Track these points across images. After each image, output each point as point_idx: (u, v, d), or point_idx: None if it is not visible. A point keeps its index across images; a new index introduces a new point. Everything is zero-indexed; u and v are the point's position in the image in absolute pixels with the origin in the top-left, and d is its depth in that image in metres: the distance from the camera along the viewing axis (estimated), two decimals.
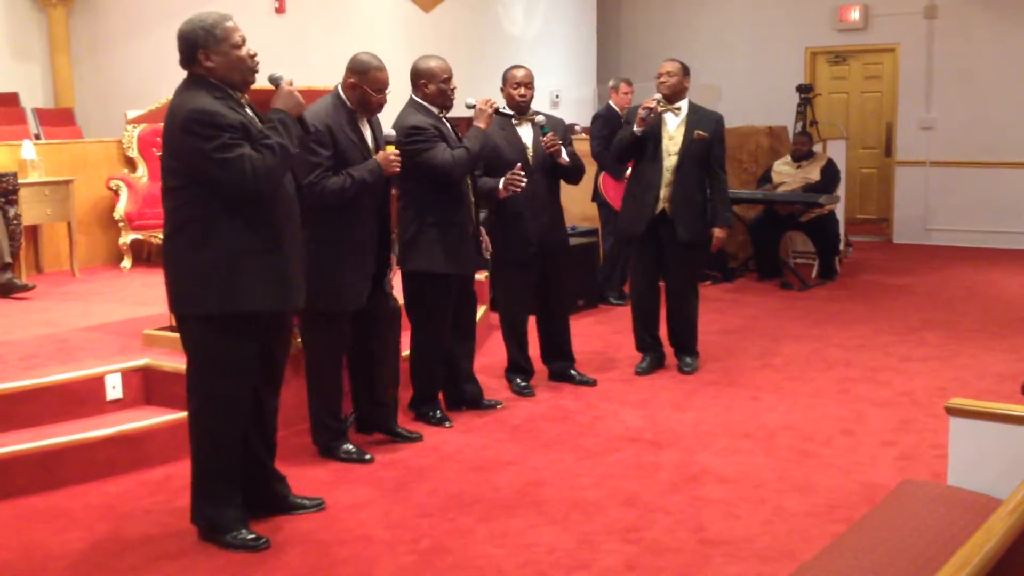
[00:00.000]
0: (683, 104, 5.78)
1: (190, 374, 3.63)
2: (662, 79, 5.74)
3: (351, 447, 4.52)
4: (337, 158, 4.26)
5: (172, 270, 3.54)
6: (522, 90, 5.33)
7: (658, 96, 5.69)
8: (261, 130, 3.48)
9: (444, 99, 4.82)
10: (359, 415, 4.75)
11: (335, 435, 4.52)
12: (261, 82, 3.64)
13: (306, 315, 4.19)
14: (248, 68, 3.50)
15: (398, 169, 4.42)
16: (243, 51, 3.48)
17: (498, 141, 5.25)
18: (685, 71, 5.77)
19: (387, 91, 4.42)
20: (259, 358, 3.64)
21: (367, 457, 4.49)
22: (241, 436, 3.68)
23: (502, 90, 5.41)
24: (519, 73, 5.35)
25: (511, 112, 5.18)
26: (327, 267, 4.25)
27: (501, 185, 5.17)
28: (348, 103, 4.37)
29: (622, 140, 5.77)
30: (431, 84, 4.79)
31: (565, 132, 5.51)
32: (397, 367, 4.81)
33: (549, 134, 5.28)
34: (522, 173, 5.15)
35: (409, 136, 4.69)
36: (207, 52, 3.43)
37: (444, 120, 4.88)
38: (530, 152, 5.35)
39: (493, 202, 5.33)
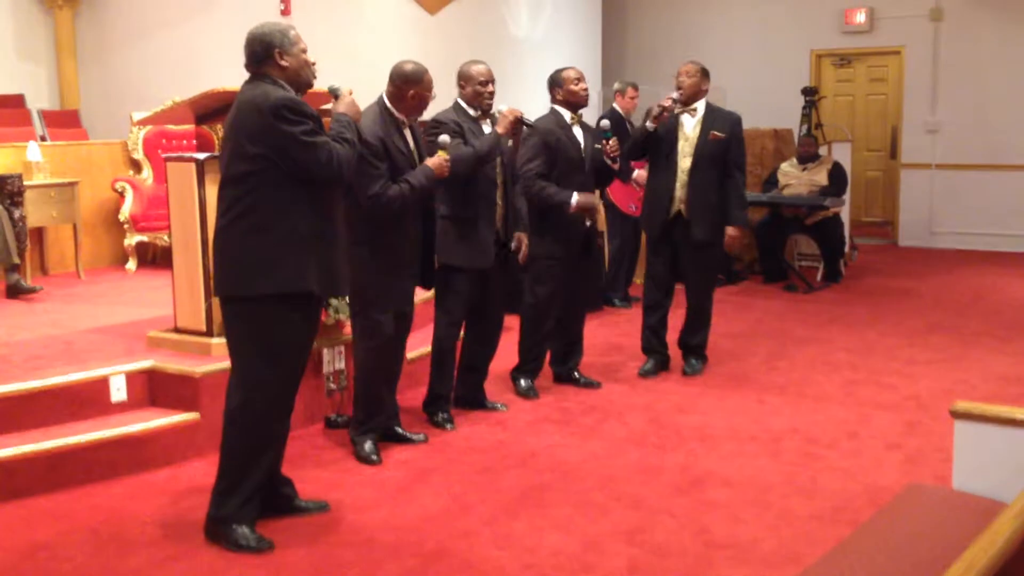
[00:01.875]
0: (700, 105, 5.77)
1: (239, 363, 3.68)
2: (680, 80, 5.75)
3: (371, 448, 4.56)
4: (391, 168, 4.39)
5: (233, 252, 3.62)
6: (583, 84, 5.50)
7: (675, 95, 5.69)
8: (332, 127, 3.71)
9: (479, 101, 4.98)
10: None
11: (367, 431, 4.58)
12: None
13: (356, 308, 4.47)
14: (311, 71, 3.75)
15: (448, 172, 4.56)
16: (308, 56, 3.72)
17: (560, 137, 5.41)
18: (704, 73, 5.78)
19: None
20: (307, 345, 3.79)
21: (374, 458, 4.51)
22: (282, 432, 3.77)
23: (558, 90, 5.50)
24: (573, 72, 5.53)
25: (532, 123, 5.22)
26: (375, 270, 4.38)
27: (574, 202, 5.33)
28: (396, 112, 4.51)
29: (635, 136, 5.81)
30: (468, 86, 4.98)
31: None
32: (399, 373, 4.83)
33: (613, 139, 5.46)
34: (597, 204, 5.44)
35: (428, 129, 4.87)
36: (282, 52, 3.64)
37: (485, 122, 5.01)
38: (583, 152, 5.48)
39: (541, 202, 5.40)
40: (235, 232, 3.61)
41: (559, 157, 5.38)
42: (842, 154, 9.68)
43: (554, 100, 5.54)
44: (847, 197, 9.39)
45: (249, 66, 3.69)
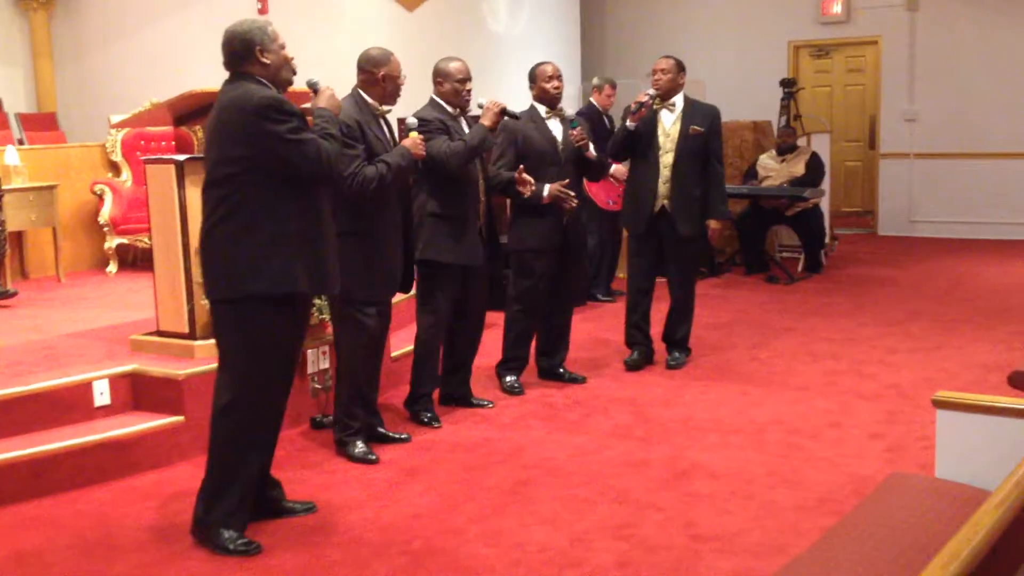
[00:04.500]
0: (678, 100, 5.79)
1: (229, 363, 3.66)
2: (656, 77, 5.76)
3: (364, 447, 4.55)
4: (367, 153, 4.39)
5: (221, 254, 3.60)
6: (555, 83, 5.49)
7: (652, 91, 5.70)
8: (315, 123, 3.70)
9: (458, 98, 4.98)
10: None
11: (356, 431, 4.56)
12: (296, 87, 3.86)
13: (340, 306, 4.43)
14: (291, 69, 3.72)
15: (424, 153, 4.59)
16: (287, 52, 3.69)
17: (530, 133, 5.41)
18: (680, 68, 5.80)
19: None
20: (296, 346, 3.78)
21: (372, 457, 4.51)
22: (272, 432, 3.76)
23: (532, 87, 5.53)
24: (548, 68, 5.52)
25: (517, 114, 5.23)
26: (359, 260, 4.36)
27: (546, 192, 5.31)
28: (369, 100, 4.52)
29: (617, 136, 5.81)
30: (446, 83, 4.97)
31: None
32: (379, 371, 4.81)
33: (578, 128, 5.45)
34: (572, 193, 5.36)
35: (415, 127, 4.83)
36: (263, 50, 3.61)
37: (461, 119, 5.01)
38: (560, 145, 5.45)
39: (520, 195, 5.35)
40: (222, 234, 3.58)
41: (528, 153, 5.36)
42: (821, 145, 9.72)
43: (533, 94, 5.56)
44: (827, 187, 9.43)
45: (229, 65, 3.65)
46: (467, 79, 4.98)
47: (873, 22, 11.64)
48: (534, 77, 5.53)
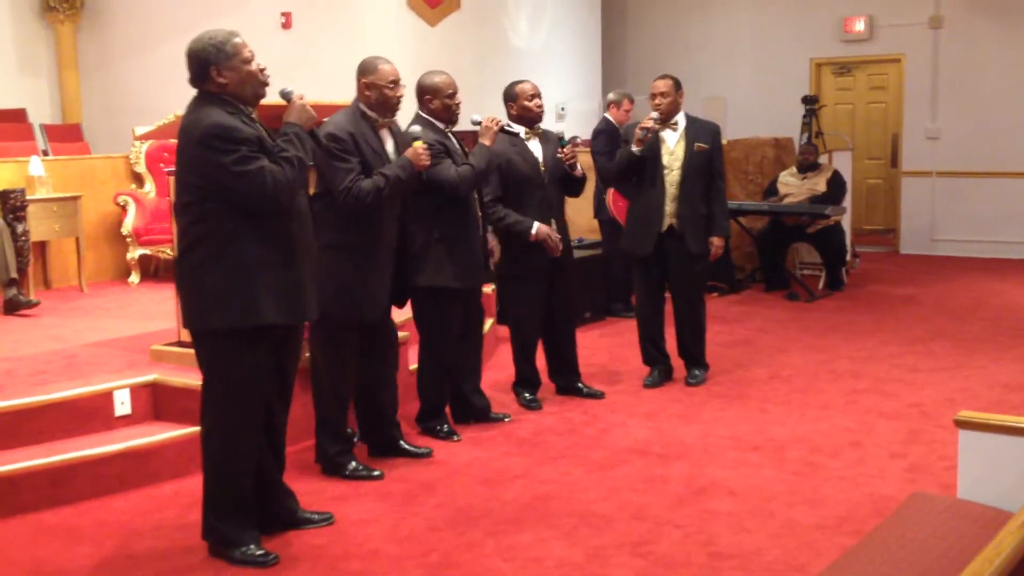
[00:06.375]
0: (680, 118, 5.78)
1: (206, 390, 3.65)
2: (656, 100, 5.71)
3: (358, 464, 4.50)
4: (363, 166, 4.29)
5: (188, 286, 3.56)
6: (537, 101, 5.38)
7: (655, 115, 5.67)
8: (276, 143, 3.53)
9: (449, 114, 4.85)
10: (368, 439, 4.73)
11: (341, 452, 4.50)
12: (270, 97, 3.69)
13: (320, 326, 4.22)
14: (259, 82, 3.56)
15: (428, 163, 4.47)
16: (253, 66, 3.54)
17: (511, 155, 5.28)
18: (677, 86, 5.76)
19: (401, 84, 4.44)
20: (273, 372, 3.68)
21: (376, 473, 4.48)
22: (255, 452, 3.69)
23: (512, 105, 5.39)
24: (528, 87, 5.39)
25: (516, 130, 5.21)
26: (348, 276, 4.26)
27: (534, 232, 5.23)
28: (368, 112, 4.40)
29: (621, 160, 5.76)
30: (436, 99, 4.83)
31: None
32: (396, 386, 4.80)
33: (568, 145, 5.37)
34: (559, 237, 5.31)
35: None
36: (219, 68, 3.47)
37: (450, 135, 4.90)
38: (541, 165, 5.38)
39: (503, 229, 5.33)
40: (187, 264, 3.53)
41: (510, 177, 5.26)
42: (843, 162, 9.69)
43: (508, 115, 5.41)
44: (848, 205, 9.39)
45: (191, 83, 3.54)
46: (455, 92, 4.84)
47: (896, 40, 11.61)
48: (514, 96, 5.37)
